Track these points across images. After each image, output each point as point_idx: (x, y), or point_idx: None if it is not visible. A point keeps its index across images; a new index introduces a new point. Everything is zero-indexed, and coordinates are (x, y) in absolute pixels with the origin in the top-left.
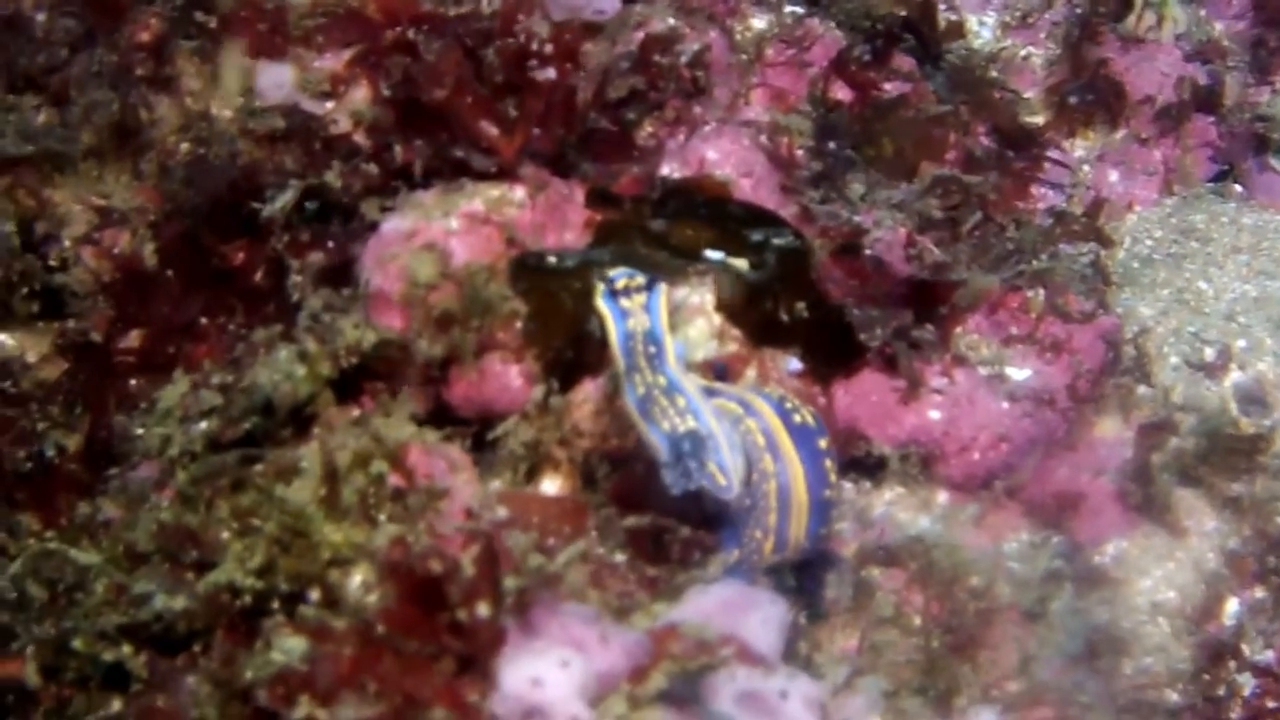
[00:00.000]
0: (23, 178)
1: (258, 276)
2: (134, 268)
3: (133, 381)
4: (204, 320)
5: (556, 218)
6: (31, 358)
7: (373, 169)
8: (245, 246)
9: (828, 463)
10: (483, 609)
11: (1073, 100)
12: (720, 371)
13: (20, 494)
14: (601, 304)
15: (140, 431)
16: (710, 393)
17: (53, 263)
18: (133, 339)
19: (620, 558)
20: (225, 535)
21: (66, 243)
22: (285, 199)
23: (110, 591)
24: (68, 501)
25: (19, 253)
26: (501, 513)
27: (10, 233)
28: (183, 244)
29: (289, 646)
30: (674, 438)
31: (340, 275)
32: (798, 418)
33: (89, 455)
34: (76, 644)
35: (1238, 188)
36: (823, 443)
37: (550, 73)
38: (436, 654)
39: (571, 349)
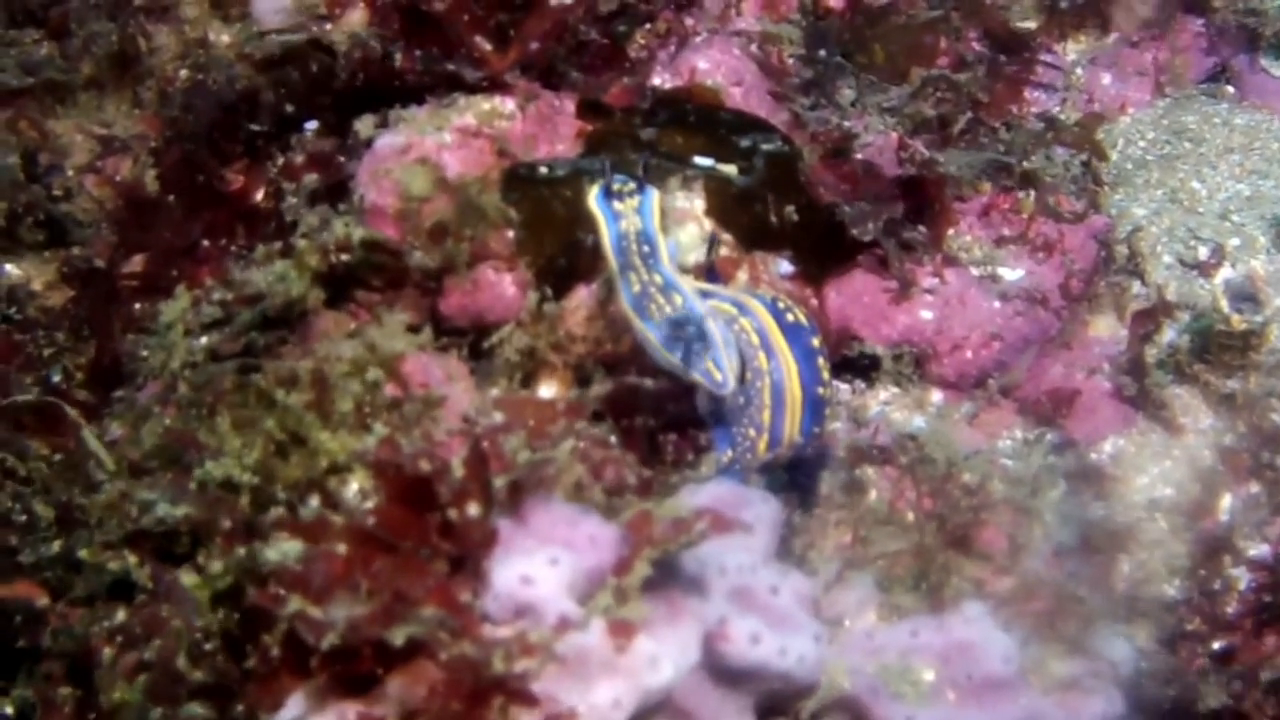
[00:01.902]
0: (25, 110)
1: (258, 197)
2: (136, 194)
3: (137, 305)
4: (206, 243)
5: (547, 129)
6: (37, 286)
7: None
8: (245, 169)
9: (821, 360)
10: (473, 509)
11: (1063, 4)
12: (710, 259)
13: (28, 419)
14: (594, 206)
15: (145, 353)
16: (704, 294)
17: (56, 192)
18: (136, 264)
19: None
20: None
21: (69, 172)
22: None
23: (114, 496)
24: (74, 425)
25: (24, 184)
26: (498, 418)
27: (14, 164)
28: (183, 169)
29: (285, 549)
30: (673, 320)
31: (336, 194)
32: (791, 316)
33: (95, 379)
34: (83, 554)
35: (1229, 88)
36: (816, 341)
37: None
38: (429, 555)
39: (564, 256)
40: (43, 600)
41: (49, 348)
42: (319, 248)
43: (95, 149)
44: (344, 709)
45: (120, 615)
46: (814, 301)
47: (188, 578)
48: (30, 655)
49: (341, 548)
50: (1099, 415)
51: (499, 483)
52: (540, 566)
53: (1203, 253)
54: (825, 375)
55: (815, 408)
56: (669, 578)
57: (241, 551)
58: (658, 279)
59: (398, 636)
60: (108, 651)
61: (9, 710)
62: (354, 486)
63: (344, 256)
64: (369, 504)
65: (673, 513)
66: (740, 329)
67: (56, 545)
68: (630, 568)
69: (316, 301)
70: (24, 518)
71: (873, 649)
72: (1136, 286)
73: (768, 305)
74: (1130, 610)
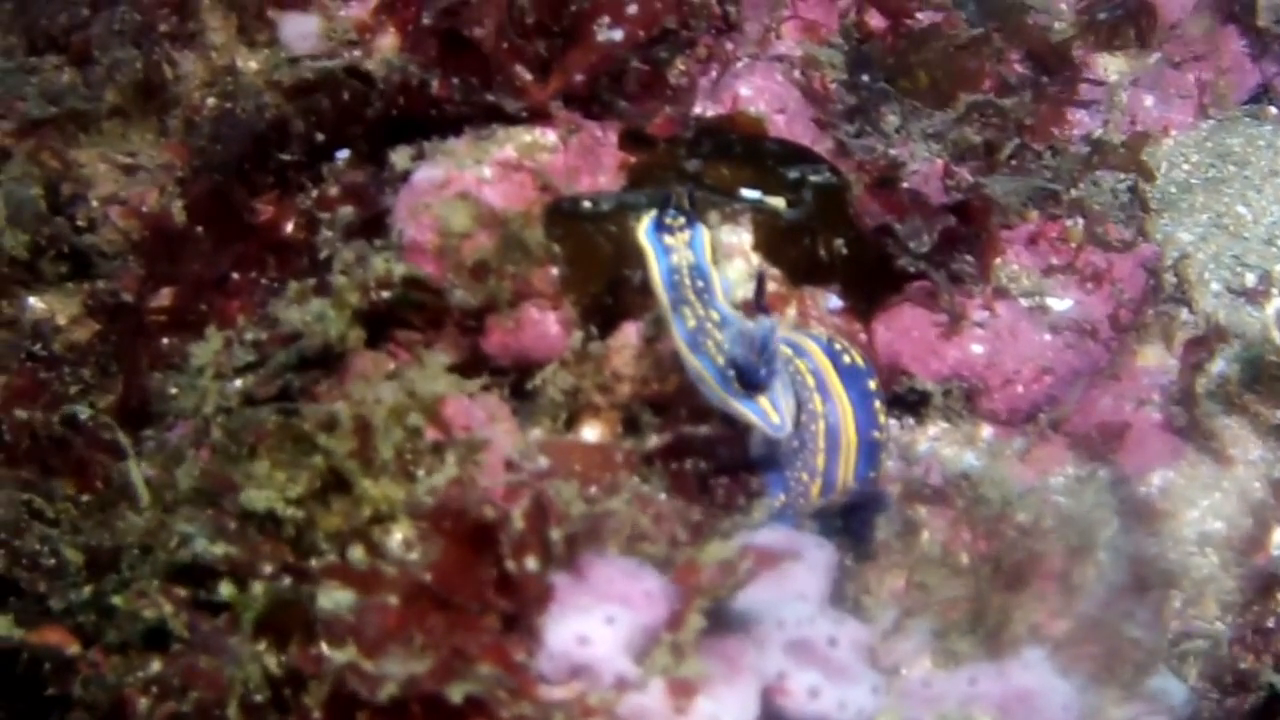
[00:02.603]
0: (47, 139)
1: (289, 229)
2: (163, 225)
3: (165, 340)
4: (235, 275)
5: (590, 161)
6: (61, 320)
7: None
8: (275, 200)
9: (877, 404)
10: (531, 563)
11: (1102, 16)
12: (761, 300)
13: (55, 459)
14: (644, 239)
15: (175, 391)
16: None
17: (80, 223)
18: (164, 297)
19: (665, 502)
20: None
21: (94, 203)
22: None
23: (153, 524)
24: (103, 465)
25: (47, 215)
26: (543, 462)
27: (36, 196)
28: (212, 200)
29: (338, 598)
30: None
31: (372, 228)
32: (847, 358)
33: (123, 417)
34: (116, 600)
35: (1272, 109)
36: (872, 384)
37: (618, 34)
38: (482, 610)
39: (610, 294)
40: (73, 647)
41: (75, 385)
42: (359, 285)
43: (120, 179)
44: None
45: (155, 665)
46: (863, 336)
47: (226, 589)
48: (59, 703)
49: (393, 600)
50: (1148, 448)
51: (555, 535)
52: (597, 625)
53: (1250, 279)
54: (881, 419)
55: (870, 452)
56: (726, 631)
57: (285, 582)
58: (715, 315)
59: (456, 693)
60: (144, 702)
61: None
62: (398, 536)
63: (384, 294)
64: (414, 555)
65: (717, 556)
66: (795, 370)
67: (87, 590)
68: (683, 621)
69: (357, 342)
70: (53, 561)
71: (931, 698)
72: (1184, 314)
73: (824, 346)
74: (1183, 649)
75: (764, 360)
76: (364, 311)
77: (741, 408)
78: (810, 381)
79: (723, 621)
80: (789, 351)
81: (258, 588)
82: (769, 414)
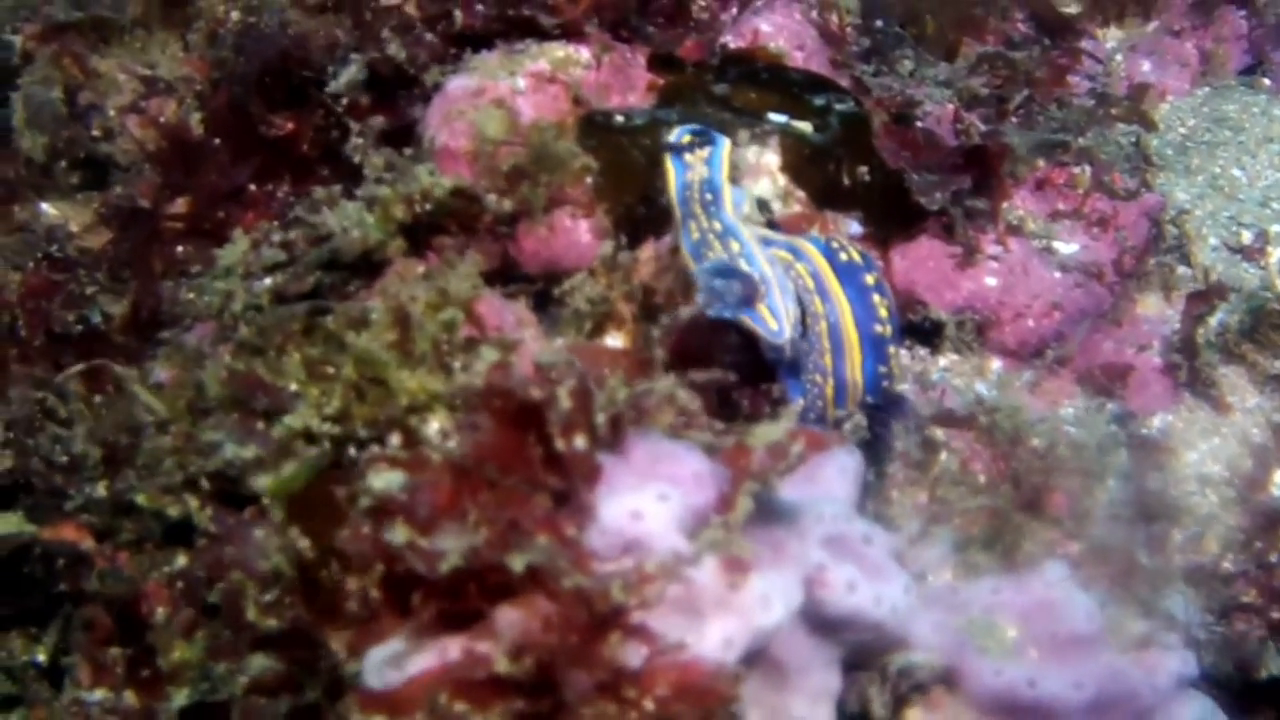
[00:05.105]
0: (70, 45)
1: (306, 145)
2: (180, 136)
3: (180, 248)
4: (252, 187)
5: (621, 80)
6: (74, 227)
7: (434, 38)
8: (294, 115)
9: (876, 298)
10: (580, 441)
11: None
12: (765, 206)
13: (68, 359)
14: (667, 160)
15: (190, 295)
16: (766, 242)
17: (95, 133)
18: (180, 206)
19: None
20: (294, 386)
21: (111, 112)
22: (350, 74)
23: (179, 439)
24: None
25: (65, 119)
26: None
27: (57, 99)
28: (230, 113)
29: (389, 478)
30: (715, 265)
31: (400, 138)
32: (844, 256)
33: (136, 321)
34: (140, 499)
35: (1266, 80)
36: (869, 278)
37: None
38: (532, 489)
39: (643, 205)
40: (88, 542)
41: (90, 286)
42: (404, 198)
43: (139, 89)
44: (446, 644)
45: (180, 560)
46: (880, 264)
47: (262, 481)
48: (64, 600)
49: (445, 479)
50: (1149, 391)
51: (600, 418)
52: (650, 501)
53: (1246, 237)
54: (882, 313)
55: (874, 347)
56: (769, 520)
57: (313, 451)
58: (717, 225)
59: (517, 563)
60: (161, 611)
61: (41, 658)
62: (434, 426)
63: (427, 206)
64: (452, 444)
65: (767, 439)
66: (796, 274)
67: (103, 487)
68: (734, 503)
69: (398, 251)
70: (65, 459)
71: (957, 604)
72: (1182, 269)
73: (821, 247)
74: (1191, 581)
75: (731, 288)
76: (407, 224)
77: (741, 315)
78: (810, 284)
79: (765, 510)
80: (789, 256)
81: (289, 466)
82: (768, 321)
